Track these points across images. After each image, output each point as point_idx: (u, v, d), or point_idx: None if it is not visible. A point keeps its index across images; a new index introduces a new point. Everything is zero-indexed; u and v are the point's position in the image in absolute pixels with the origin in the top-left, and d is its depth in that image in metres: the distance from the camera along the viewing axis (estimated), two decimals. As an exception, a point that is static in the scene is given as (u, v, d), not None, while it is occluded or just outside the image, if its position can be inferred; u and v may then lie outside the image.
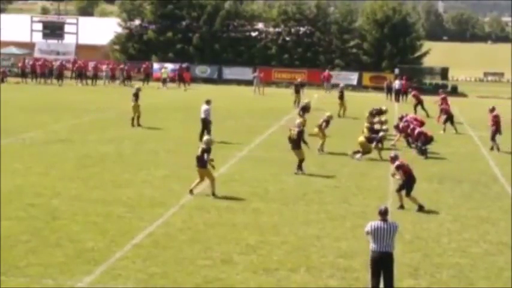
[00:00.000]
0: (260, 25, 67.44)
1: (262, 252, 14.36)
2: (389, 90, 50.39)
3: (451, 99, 39.19)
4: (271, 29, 66.56)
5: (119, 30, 66.84)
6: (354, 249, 14.67)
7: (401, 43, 62.49)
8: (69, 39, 65.25)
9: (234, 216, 17.04)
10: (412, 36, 64.38)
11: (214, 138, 20.86)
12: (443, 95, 37.32)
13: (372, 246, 11.76)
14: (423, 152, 26.08)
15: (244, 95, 50.10)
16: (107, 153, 24.85)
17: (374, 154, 25.22)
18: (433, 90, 52.83)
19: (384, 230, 11.67)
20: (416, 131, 26.92)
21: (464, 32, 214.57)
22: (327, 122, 26.57)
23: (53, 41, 65.73)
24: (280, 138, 26.44)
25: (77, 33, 64.52)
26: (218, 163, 19.86)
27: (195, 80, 58.64)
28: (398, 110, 39.88)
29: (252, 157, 25.15)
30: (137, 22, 67.28)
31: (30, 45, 65.08)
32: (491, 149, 28.21)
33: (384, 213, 11.83)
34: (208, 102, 28.27)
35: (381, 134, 26.02)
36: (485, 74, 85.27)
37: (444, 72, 63.84)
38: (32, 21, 66.45)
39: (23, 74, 56.14)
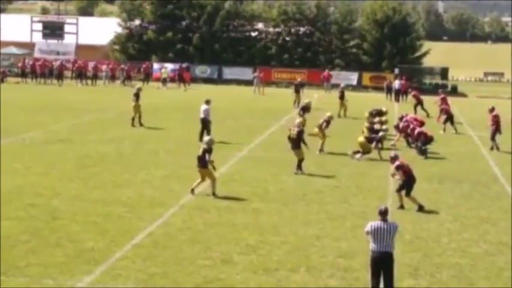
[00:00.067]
0: (260, 25, 67.43)
1: (262, 252, 14.36)
2: (389, 90, 50.39)
3: (451, 99, 39.19)
4: (271, 29, 66.54)
5: (119, 30, 66.83)
6: (354, 249, 14.67)
7: (401, 43, 62.48)
8: (69, 39, 65.23)
9: (234, 216, 17.04)
10: (412, 36, 64.37)
11: (214, 138, 20.83)
12: (442, 95, 37.32)
13: (371, 246, 11.76)
14: (423, 152, 26.09)
15: (244, 95, 50.10)
16: (107, 153, 24.85)
17: (374, 154, 25.23)
18: (433, 90, 52.80)
19: (384, 230, 11.68)
20: (416, 131, 26.92)
21: (464, 32, 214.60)
22: (328, 122, 26.57)
23: (53, 41, 65.71)
24: (280, 138, 26.44)
25: (77, 33, 64.49)
26: (218, 163, 19.86)
27: (195, 80, 58.64)
28: (398, 110, 39.88)
29: (252, 157, 25.15)
30: (137, 22, 67.26)
31: (30, 45, 65.07)
32: (491, 149, 28.22)
33: (383, 213, 11.83)
34: (207, 102, 28.29)
35: (380, 134, 26.03)
36: (485, 74, 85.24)
37: (444, 72, 63.82)
38: (32, 21, 66.42)
39: (23, 74, 56.13)
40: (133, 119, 31.47)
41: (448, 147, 28.71)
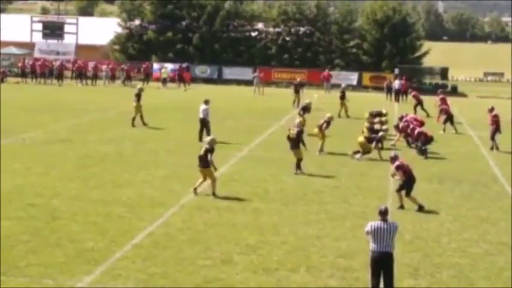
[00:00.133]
0: (260, 25, 67.42)
1: (262, 252, 14.37)
2: (389, 90, 50.38)
3: (451, 99, 39.20)
4: (271, 29, 66.53)
5: (119, 30, 66.82)
6: (354, 249, 14.67)
7: (401, 43, 62.48)
8: (69, 39, 65.22)
9: (234, 216, 17.04)
10: (412, 36, 64.37)
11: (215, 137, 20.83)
12: (441, 96, 37.31)
13: (371, 246, 11.77)
14: (423, 152, 26.09)
15: (244, 95, 50.10)
16: (107, 153, 24.85)
17: (374, 154, 25.23)
18: (433, 90, 52.78)
19: (384, 230, 11.68)
20: (416, 131, 26.93)
21: (464, 32, 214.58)
22: (328, 123, 26.55)
23: (52, 41, 65.69)
24: (280, 138, 26.43)
25: (76, 33, 64.48)
26: (218, 163, 19.85)
27: (195, 80, 58.63)
28: (398, 110, 39.89)
29: (252, 157, 25.16)
30: (137, 22, 67.23)
31: (30, 45, 65.05)
32: (491, 148, 28.23)
33: (383, 213, 11.84)
34: (206, 102, 28.32)
35: (380, 134, 26.03)
36: (485, 74, 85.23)
37: (444, 72, 63.81)
38: (32, 21, 66.40)
39: (23, 74, 56.12)
40: (133, 119, 31.45)
41: (448, 147, 28.71)
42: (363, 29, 64.60)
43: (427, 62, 67.71)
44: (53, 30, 65.55)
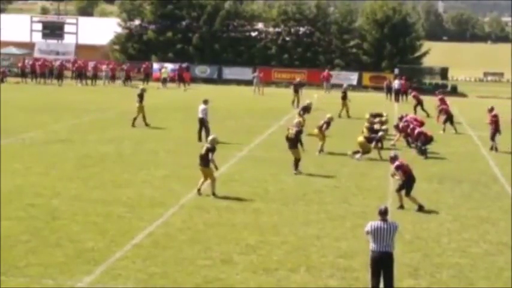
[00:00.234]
0: (260, 25, 67.42)
1: (262, 252, 14.37)
2: (389, 90, 50.38)
3: (451, 99, 39.19)
4: (271, 29, 66.53)
5: (119, 30, 66.81)
6: (354, 249, 14.68)
7: (401, 43, 62.49)
8: (69, 39, 65.21)
9: (234, 216, 17.04)
10: (412, 36, 64.37)
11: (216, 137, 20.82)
12: (440, 96, 37.28)
13: (371, 246, 11.77)
14: (423, 152, 26.09)
15: (244, 95, 50.10)
16: (107, 153, 24.85)
17: (374, 154, 25.22)
18: (433, 90, 52.78)
19: (383, 230, 11.68)
20: (416, 131, 26.93)
21: (464, 32, 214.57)
22: (328, 123, 26.54)
23: (52, 41, 65.69)
24: (280, 138, 26.41)
25: (76, 33, 64.47)
26: (218, 163, 19.82)
27: (195, 80, 58.64)
28: (398, 110, 39.89)
29: (252, 157, 25.16)
30: (137, 22, 67.23)
31: (30, 45, 65.05)
32: (491, 148, 28.22)
33: (383, 213, 11.84)
34: (205, 102, 28.36)
35: (380, 133, 26.03)
36: (485, 74, 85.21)
37: (444, 72, 63.82)
38: (31, 21, 66.39)
39: (22, 74, 56.12)
40: (135, 119, 31.41)
41: (448, 147, 28.71)
42: (363, 29, 64.61)
43: (427, 62, 67.72)
44: (53, 30, 65.55)
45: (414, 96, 40.25)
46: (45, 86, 53.11)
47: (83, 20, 71.03)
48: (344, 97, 38.50)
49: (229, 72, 61.98)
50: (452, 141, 30.65)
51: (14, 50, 63.80)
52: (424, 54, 65.29)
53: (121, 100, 42.31)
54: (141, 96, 31.67)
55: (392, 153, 19.34)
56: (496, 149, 27.97)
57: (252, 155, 25.71)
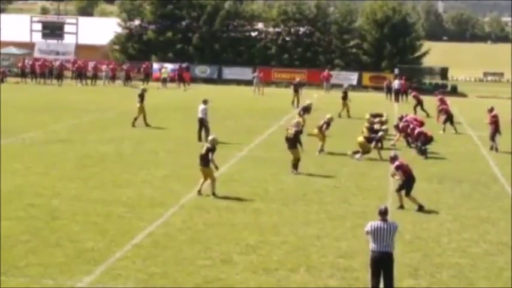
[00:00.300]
0: (260, 25, 67.42)
1: (262, 252, 14.37)
2: (389, 90, 50.39)
3: (450, 99, 39.18)
4: (271, 29, 66.53)
5: (119, 30, 66.81)
6: (354, 249, 14.68)
7: (401, 43, 62.49)
8: (68, 39, 65.21)
9: (234, 216, 17.04)
10: (412, 36, 64.37)
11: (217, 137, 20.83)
12: (439, 96, 37.27)
13: (371, 246, 11.77)
14: (423, 152, 26.09)
15: (244, 95, 50.10)
16: (107, 153, 24.85)
17: (374, 154, 25.22)
18: (433, 90, 52.78)
19: (383, 230, 11.68)
20: (416, 131, 26.93)
21: (464, 32, 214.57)
22: (328, 124, 26.53)
23: (52, 41, 65.69)
24: (280, 138, 26.40)
25: (76, 33, 64.46)
26: (218, 163, 19.83)
27: (195, 80, 58.64)
28: (398, 110, 39.90)
29: (252, 157, 25.16)
30: (137, 22, 67.23)
31: (30, 45, 65.04)
32: (491, 148, 28.23)
33: (383, 213, 11.84)
34: (205, 102, 28.39)
35: (380, 133, 26.03)
36: (485, 74, 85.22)
37: (444, 72, 63.82)
38: (31, 21, 66.38)
39: (22, 74, 56.11)
40: (136, 119, 31.40)
41: (448, 147, 28.71)
42: (363, 29, 64.62)
43: (427, 62, 67.73)
44: (53, 30, 65.54)
45: (414, 96, 40.25)
46: (45, 86, 53.11)
47: (83, 20, 71.03)
48: (345, 97, 38.50)
49: (229, 72, 61.99)
50: (452, 141, 30.65)
51: (14, 50, 63.80)
52: (424, 54, 65.30)
53: (121, 100, 42.32)
54: (142, 97, 31.67)
55: (392, 153, 19.35)
56: (497, 149, 27.96)
57: (252, 155, 25.72)
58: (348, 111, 37.97)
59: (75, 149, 25.36)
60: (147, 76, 56.96)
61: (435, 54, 77.65)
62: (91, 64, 57.01)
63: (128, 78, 55.65)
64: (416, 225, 16.83)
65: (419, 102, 39.36)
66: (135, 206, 17.60)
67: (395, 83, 49.54)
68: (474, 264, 14.16)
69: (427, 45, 67.35)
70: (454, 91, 58.85)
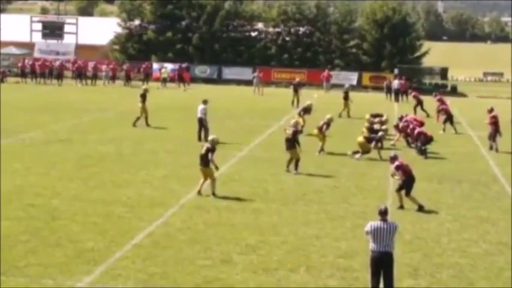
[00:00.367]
0: (260, 25, 67.40)
1: (262, 252, 14.37)
2: (389, 90, 50.38)
3: (450, 99, 39.17)
4: (271, 29, 66.51)
5: (119, 30, 66.77)
6: (353, 249, 14.68)
7: (401, 43, 62.47)
8: (68, 39, 65.20)
9: (234, 216, 17.05)
10: (412, 36, 64.35)
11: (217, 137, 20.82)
12: (438, 97, 37.25)
13: (371, 246, 11.77)
14: (423, 152, 26.09)
15: (244, 95, 50.09)
16: (106, 153, 24.85)
17: (374, 154, 25.22)
18: (433, 90, 52.78)
19: (383, 230, 11.68)
20: (416, 131, 26.93)
21: (463, 32, 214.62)
22: (328, 124, 26.53)
23: (52, 41, 65.67)
24: (280, 138, 26.41)
25: (76, 33, 64.46)
26: (218, 163, 19.83)
27: (194, 80, 58.61)
28: (398, 110, 39.89)
29: (252, 157, 25.16)
30: (137, 22, 67.20)
31: (30, 45, 65.01)
32: (490, 148, 28.23)
33: (383, 213, 11.84)
34: (205, 102, 28.41)
35: (380, 133, 26.03)
36: (485, 74, 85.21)
37: (444, 72, 63.82)
38: (31, 21, 66.36)
39: (22, 74, 56.09)
40: (138, 119, 31.37)
41: (448, 147, 28.71)
42: (363, 29, 64.60)
43: (427, 62, 67.71)
44: (53, 30, 65.50)
45: (414, 97, 40.24)
46: (45, 86, 53.09)
47: (83, 20, 71.00)
48: (346, 97, 38.47)
49: (229, 72, 61.98)
50: (452, 141, 30.65)
51: (14, 50, 63.77)
52: (424, 54, 65.28)
53: (121, 100, 42.32)
54: (144, 97, 31.68)
55: (392, 153, 19.35)
56: (497, 150, 27.95)
57: (252, 155, 25.72)
58: (348, 111, 37.96)
59: (75, 149, 25.36)
60: (147, 76, 56.91)
61: (435, 54, 77.61)
62: (91, 64, 57.00)
63: (128, 79, 55.62)
64: (416, 225, 16.83)
65: (419, 102, 39.35)
66: (135, 206, 17.60)
67: (395, 83, 49.53)
68: (474, 264, 14.16)
69: (427, 45, 67.32)
70: (454, 91, 58.84)
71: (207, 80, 60.74)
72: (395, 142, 28.28)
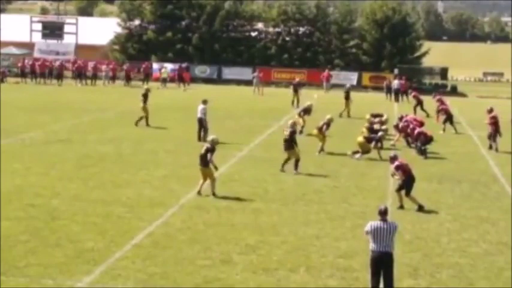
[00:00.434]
0: (260, 25, 67.41)
1: (261, 252, 14.37)
2: (388, 90, 50.38)
3: (450, 99, 39.15)
4: (270, 29, 66.52)
5: (119, 30, 66.77)
6: (353, 249, 14.68)
7: (401, 43, 62.48)
8: (68, 39, 65.20)
9: (234, 216, 17.04)
10: (412, 36, 64.36)
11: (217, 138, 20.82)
12: (438, 97, 37.23)
13: (371, 246, 11.77)
14: (423, 152, 26.09)
15: (244, 95, 50.09)
16: (106, 153, 24.85)
17: (373, 154, 25.22)
18: (433, 90, 52.80)
19: (383, 230, 11.68)
20: (416, 131, 26.93)
21: (463, 32, 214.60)
22: (328, 124, 26.52)
23: (52, 41, 65.67)
24: (279, 138, 26.38)
25: (76, 33, 64.46)
26: (218, 163, 19.84)
27: (194, 80, 58.61)
28: (398, 110, 39.89)
29: (252, 157, 25.16)
30: (137, 22, 67.20)
31: (30, 45, 65.01)
32: (490, 147, 28.23)
33: (383, 213, 11.84)
34: (204, 102, 28.42)
35: (379, 133, 26.03)
36: (485, 74, 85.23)
37: (444, 72, 63.83)
38: (31, 21, 66.37)
39: (22, 74, 56.08)
40: (140, 118, 31.36)
41: (448, 147, 28.71)
42: (363, 29, 64.61)
43: (427, 62, 67.71)
44: (53, 30, 65.49)
45: (414, 97, 40.24)
46: (45, 86, 53.09)
47: (83, 20, 71.02)
48: (347, 97, 38.46)
49: (229, 72, 61.98)
50: (452, 141, 30.64)
51: (13, 50, 63.77)
52: (424, 54, 65.29)
53: (121, 100, 42.32)
54: (145, 96, 31.69)
55: (392, 153, 19.35)
56: (497, 150, 27.95)
57: (252, 155, 25.72)
58: (348, 111, 37.95)
59: (75, 149, 25.36)
60: (147, 76, 56.88)
61: (435, 54, 77.60)
62: (91, 64, 56.99)
63: (128, 79, 55.60)
64: (416, 225, 16.83)
65: (419, 102, 39.34)
66: (134, 206, 17.60)
67: (395, 83, 49.53)
68: (474, 264, 14.16)
69: (427, 45, 67.33)
70: (454, 91, 58.85)
71: (207, 80, 60.74)
72: (395, 142, 28.28)
